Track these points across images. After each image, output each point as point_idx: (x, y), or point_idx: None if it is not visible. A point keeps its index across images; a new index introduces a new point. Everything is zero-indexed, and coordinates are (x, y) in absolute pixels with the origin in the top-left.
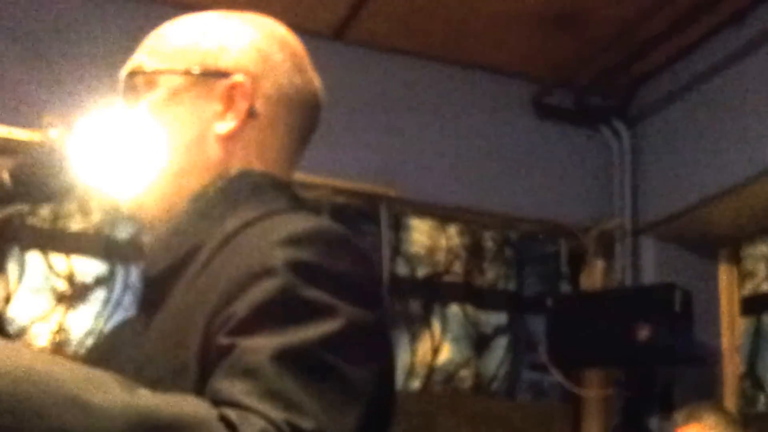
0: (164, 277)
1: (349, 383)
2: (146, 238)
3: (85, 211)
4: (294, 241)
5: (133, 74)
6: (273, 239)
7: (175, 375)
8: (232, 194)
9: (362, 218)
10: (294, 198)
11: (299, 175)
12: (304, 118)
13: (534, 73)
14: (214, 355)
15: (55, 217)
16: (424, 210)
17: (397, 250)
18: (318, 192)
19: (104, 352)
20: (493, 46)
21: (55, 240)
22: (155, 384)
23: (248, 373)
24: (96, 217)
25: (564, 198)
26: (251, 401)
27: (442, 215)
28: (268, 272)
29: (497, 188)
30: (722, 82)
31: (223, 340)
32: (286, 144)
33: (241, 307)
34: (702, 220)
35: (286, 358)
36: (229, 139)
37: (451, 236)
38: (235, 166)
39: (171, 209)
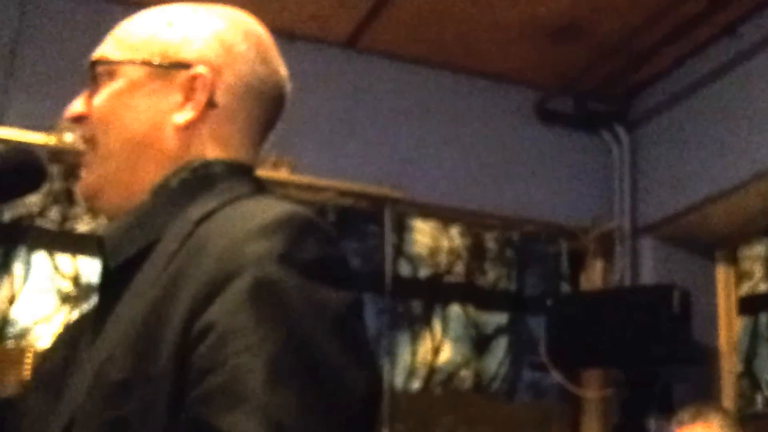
0: (126, 268)
1: (339, 377)
2: (104, 228)
3: (92, 213)
4: (262, 232)
5: (96, 63)
6: (241, 234)
7: (147, 382)
8: (193, 184)
9: (367, 220)
10: (255, 182)
11: (306, 177)
12: (266, 109)
13: (537, 80)
14: (196, 368)
15: (63, 218)
16: (427, 212)
17: (399, 251)
18: (324, 194)
19: (63, 351)
20: (498, 54)
21: (61, 241)
22: (119, 386)
23: (239, 401)
24: (103, 219)
25: (565, 200)
26: None
27: (444, 217)
28: (241, 270)
29: (500, 190)
30: (718, 88)
31: (206, 356)
32: (248, 134)
33: (218, 313)
34: (700, 221)
35: (274, 374)
36: (188, 129)
37: (453, 237)
38: (195, 156)
39: (130, 199)
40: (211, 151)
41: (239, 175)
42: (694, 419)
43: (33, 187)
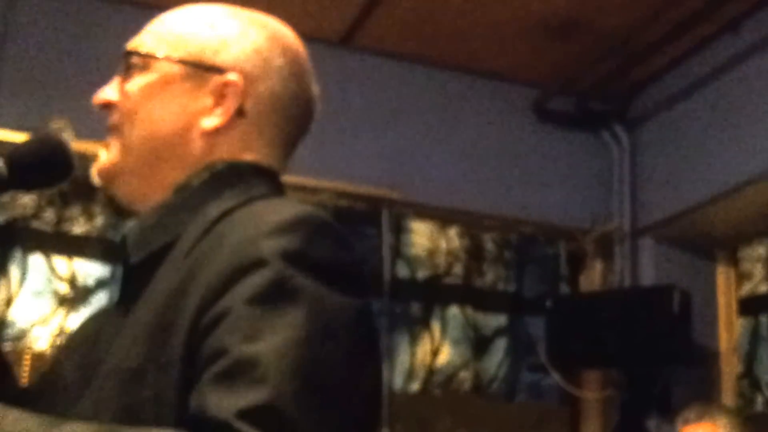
0: (146, 266)
1: (345, 378)
2: (128, 227)
3: (88, 215)
4: (280, 230)
5: (130, 53)
6: (259, 229)
7: (159, 369)
8: (215, 184)
9: (364, 221)
10: (275, 184)
11: (303, 179)
12: (294, 125)
13: (535, 78)
14: (206, 355)
15: (59, 220)
16: (425, 213)
17: (397, 252)
18: (321, 195)
19: (83, 343)
20: (495, 52)
21: (57, 243)
22: (133, 373)
23: (241, 387)
24: (99, 221)
25: (564, 200)
26: (243, 425)
27: (442, 218)
28: (256, 264)
29: (498, 191)
30: (719, 87)
31: (215, 342)
32: (272, 146)
33: (231, 303)
34: (700, 222)
35: (278, 365)
36: (214, 134)
37: (452, 238)
38: (219, 160)
39: (146, 194)
40: (234, 157)
41: (260, 176)
42: (700, 418)
43: (62, 177)
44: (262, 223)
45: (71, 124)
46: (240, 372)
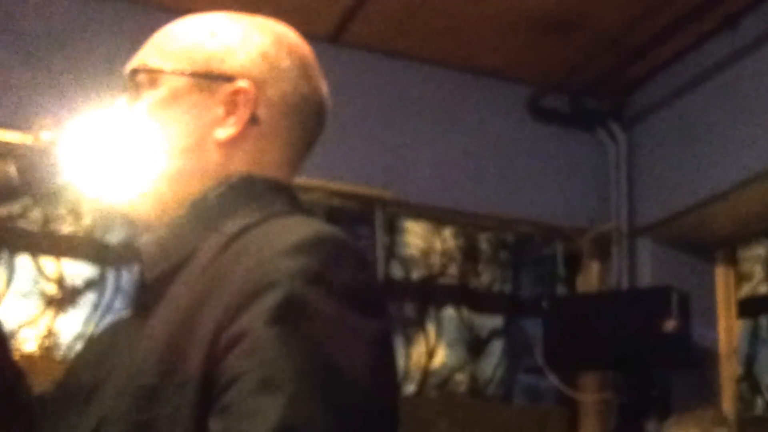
0: (162, 281)
1: (366, 399)
2: (142, 241)
3: (76, 214)
4: (298, 249)
5: (136, 71)
6: (276, 249)
7: (176, 387)
8: (232, 198)
9: (357, 221)
10: (293, 201)
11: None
12: (308, 126)
13: (530, 76)
14: (225, 377)
15: (46, 220)
16: (419, 212)
17: (391, 253)
18: (313, 194)
19: (95, 356)
20: (489, 49)
21: (45, 243)
22: (149, 390)
23: (259, 413)
24: (87, 220)
25: (560, 200)
26: None
27: (437, 218)
28: (274, 283)
29: (493, 191)
30: (717, 85)
31: (234, 365)
32: (288, 151)
33: (249, 324)
34: (698, 222)
35: (296, 389)
36: (229, 144)
37: (446, 239)
38: (235, 172)
39: (167, 212)
40: (251, 167)
41: (277, 192)
42: None
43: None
44: (280, 243)
45: (58, 122)
46: (261, 395)
